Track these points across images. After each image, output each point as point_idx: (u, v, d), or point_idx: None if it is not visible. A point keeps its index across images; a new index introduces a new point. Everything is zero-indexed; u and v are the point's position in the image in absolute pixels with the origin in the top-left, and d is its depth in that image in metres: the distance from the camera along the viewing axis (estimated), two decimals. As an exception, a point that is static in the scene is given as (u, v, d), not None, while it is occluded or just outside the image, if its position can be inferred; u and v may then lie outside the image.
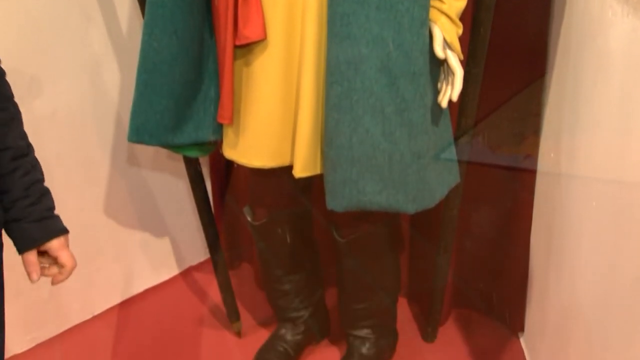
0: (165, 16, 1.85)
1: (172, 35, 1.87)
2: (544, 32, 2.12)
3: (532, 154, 2.24)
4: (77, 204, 2.43)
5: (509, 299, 2.46)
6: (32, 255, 1.48)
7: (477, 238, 2.47)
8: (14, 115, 1.49)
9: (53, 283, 1.53)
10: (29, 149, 1.50)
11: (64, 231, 1.50)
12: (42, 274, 1.50)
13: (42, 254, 1.49)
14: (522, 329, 2.46)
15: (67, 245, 1.51)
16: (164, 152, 2.55)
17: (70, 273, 1.51)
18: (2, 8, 2.09)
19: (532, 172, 2.27)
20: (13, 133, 1.46)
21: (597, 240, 1.71)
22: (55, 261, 1.50)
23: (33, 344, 2.48)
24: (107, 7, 2.32)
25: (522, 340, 2.46)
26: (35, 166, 1.51)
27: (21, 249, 1.47)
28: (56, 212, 1.52)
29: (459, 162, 2.07)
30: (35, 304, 2.43)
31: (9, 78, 2.13)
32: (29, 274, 1.48)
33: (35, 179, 1.48)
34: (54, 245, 1.48)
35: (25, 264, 1.48)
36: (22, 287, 2.39)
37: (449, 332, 2.54)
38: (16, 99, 2.18)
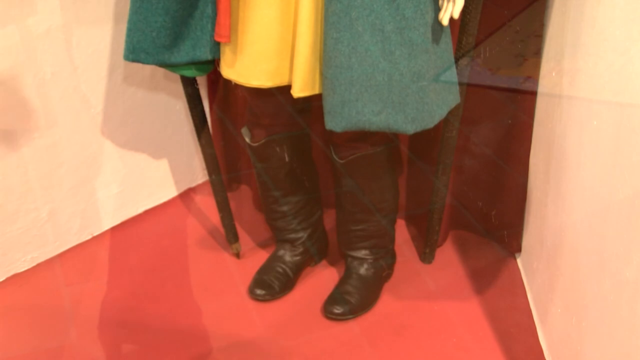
0: None
1: (167, -51, 1.83)
2: (549, -53, 2.08)
3: (533, 75, 2.23)
4: (73, 124, 2.42)
5: (506, 220, 2.47)
6: None
7: (476, 160, 2.47)
8: None
9: None
10: None
11: None
12: None
13: None
14: (519, 250, 2.48)
15: None
16: (160, 71, 2.52)
17: None
18: None
19: (532, 94, 2.25)
20: None
21: (596, 160, 1.71)
22: None
23: (33, 264, 2.50)
24: None
25: (519, 260, 2.48)
26: None
27: None
28: None
29: (459, 82, 2.06)
30: (34, 224, 2.44)
31: (1, -5, 2.10)
32: None
33: None
34: None
35: None
36: (21, 207, 2.39)
37: (447, 254, 2.56)
38: (8, 17, 2.15)
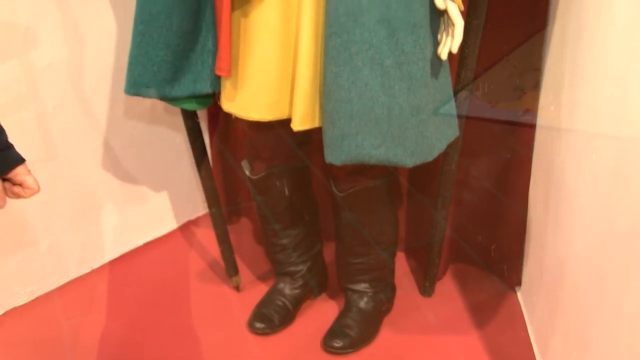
0: (162, -35, 1.84)
1: (168, -16, 1.85)
2: (546, -18, 2.10)
3: (532, 109, 2.24)
4: (74, 157, 2.42)
5: (506, 254, 2.47)
6: None
7: (475, 192, 2.47)
8: None
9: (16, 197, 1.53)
10: None
11: (23, 159, 1.50)
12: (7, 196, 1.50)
13: (4, 181, 1.50)
14: (519, 283, 2.48)
15: (30, 171, 1.50)
16: (161, 105, 2.53)
17: (33, 194, 1.51)
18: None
19: (531, 127, 2.26)
20: None
21: (594, 193, 1.71)
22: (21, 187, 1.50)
23: (32, 297, 2.49)
24: (103, -44, 2.30)
25: (519, 294, 2.48)
26: None
27: None
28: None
29: (458, 116, 2.06)
30: (34, 257, 2.44)
31: (3, 29, 2.12)
32: None
33: None
34: (19, 171, 1.48)
35: None
36: (21, 240, 2.39)
37: (447, 287, 2.55)
38: (11, 51, 2.17)
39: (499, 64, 2.21)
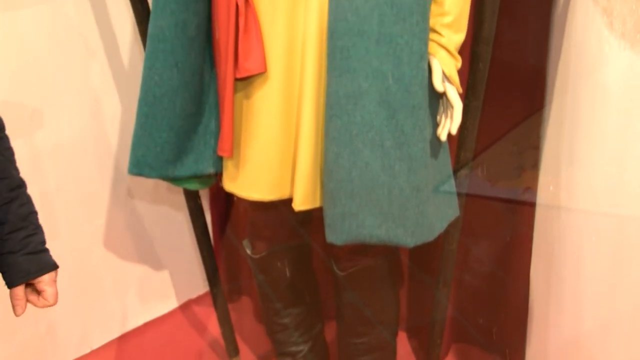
0: (166, 50, 1.87)
1: (172, 68, 1.88)
2: (543, 65, 2.13)
3: (532, 187, 2.24)
4: (76, 236, 2.43)
5: (509, 334, 2.44)
6: (20, 290, 1.44)
7: (476, 272, 2.46)
8: (8, 145, 1.48)
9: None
10: (23, 181, 1.48)
11: (55, 266, 1.48)
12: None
13: (27, 285, 1.46)
14: (522, 364, 2.45)
15: (55, 281, 1.48)
16: (163, 184, 2.55)
17: (45, 306, 1.48)
18: (3, 40, 2.11)
19: (531, 205, 2.26)
20: (9, 163, 1.45)
21: (596, 274, 1.71)
22: (39, 294, 1.47)
23: (30, 379, 2.47)
24: (108, 41, 2.34)
25: (523, 375, 2.45)
26: (30, 199, 1.49)
27: (13, 282, 1.44)
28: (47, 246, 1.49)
29: (458, 195, 2.08)
30: (33, 338, 2.42)
31: (10, 110, 2.15)
32: (14, 307, 1.45)
33: (31, 211, 1.46)
34: (45, 279, 1.45)
35: (12, 297, 1.45)
36: (19, 321, 2.37)
37: (449, 367, 2.53)
38: (17, 131, 2.20)
39: (498, 143, 2.23)
